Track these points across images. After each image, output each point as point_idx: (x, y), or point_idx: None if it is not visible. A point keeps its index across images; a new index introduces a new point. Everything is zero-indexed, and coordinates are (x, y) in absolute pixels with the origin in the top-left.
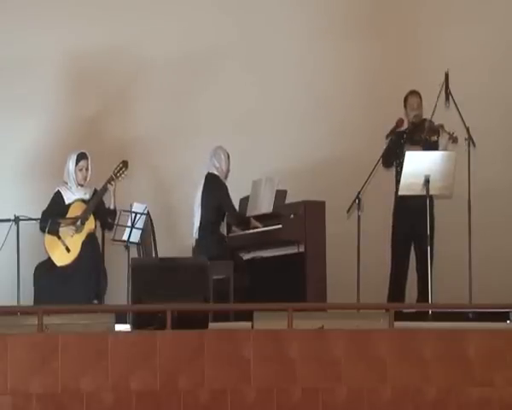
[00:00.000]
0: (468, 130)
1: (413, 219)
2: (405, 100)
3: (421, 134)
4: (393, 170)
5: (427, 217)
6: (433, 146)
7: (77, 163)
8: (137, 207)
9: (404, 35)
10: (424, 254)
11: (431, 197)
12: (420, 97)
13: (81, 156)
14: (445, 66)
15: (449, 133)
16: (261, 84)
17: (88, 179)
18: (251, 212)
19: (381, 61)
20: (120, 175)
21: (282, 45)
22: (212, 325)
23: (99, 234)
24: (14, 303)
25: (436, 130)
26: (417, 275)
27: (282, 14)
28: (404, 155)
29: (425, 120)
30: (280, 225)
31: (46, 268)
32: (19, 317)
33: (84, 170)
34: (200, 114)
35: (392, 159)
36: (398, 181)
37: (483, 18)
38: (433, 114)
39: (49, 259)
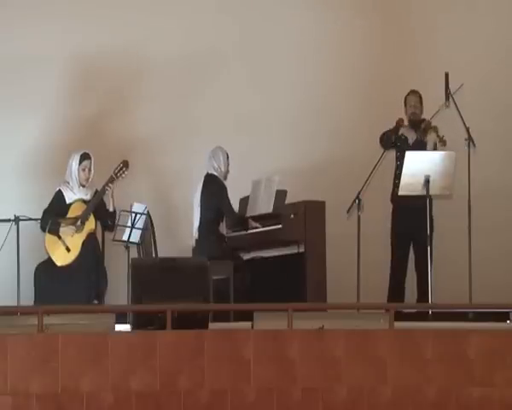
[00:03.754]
0: (468, 130)
1: (412, 219)
2: (405, 99)
3: (415, 132)
4: (393, 170)
5: (426, 217)
6: (422, 146)
7: (80, 163)
8: (137, 207)
9: (402, 36)
10: (424, 255)
11: (430, 197)
12: (419, 96)
13: (84, 156)
14: (444, 67)
15: (438, 136)
16: (261, 84)
17: (90, 180)
18: (251, 212)
19: (381, 62)
20: (121, 175)
21: (283, 46)
22: (212, 325)
23: (99, 234)
24: (14, 303)
25: (426, 130)
26: (417, 275)
27: (282, 15)
28: (403, 155)
29: (424, 119)
30: (280, 225)
31: (46, 268)
32: (19, 317)
33: (86, 170)
34: (201, 114)
35: (390, 142)
36: (397, 181)
37: (483, 18)
38: (433, 116)
39: (50, 259)
